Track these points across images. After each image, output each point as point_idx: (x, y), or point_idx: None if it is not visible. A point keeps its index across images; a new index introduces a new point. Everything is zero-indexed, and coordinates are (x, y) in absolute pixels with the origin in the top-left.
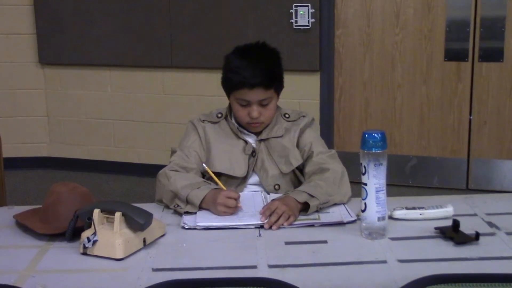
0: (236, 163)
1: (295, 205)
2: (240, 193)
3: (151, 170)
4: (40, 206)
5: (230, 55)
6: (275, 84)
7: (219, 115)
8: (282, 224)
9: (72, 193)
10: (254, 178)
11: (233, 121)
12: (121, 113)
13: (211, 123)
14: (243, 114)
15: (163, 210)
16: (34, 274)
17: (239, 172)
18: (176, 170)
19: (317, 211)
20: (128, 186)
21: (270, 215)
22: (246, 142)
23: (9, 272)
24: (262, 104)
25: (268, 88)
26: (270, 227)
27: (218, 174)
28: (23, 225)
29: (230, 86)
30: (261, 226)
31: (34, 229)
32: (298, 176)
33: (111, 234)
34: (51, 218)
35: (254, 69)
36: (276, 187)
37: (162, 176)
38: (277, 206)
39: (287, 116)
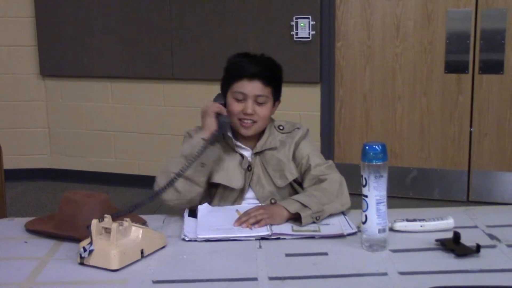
0: (233, 175)
1: (278, 211)
2: (239, 205)
3: (152, 182)
4: (50, 214)
5: (233, 55)
6: (273, 84)
7: None
8: (252, 224)
9: (92, 201)
10: (251, 193)
11: (229, 134)
12: (122, 125)
13: None
14: (237, 108)
15: (163, 222)
16: (34, 286)
17: (237, 184)
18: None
19: (314, 222)
20: (129, 198)
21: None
22: (242, 156)
23: (9, 284)
24: (257, 102)
25: (266, 84)
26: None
27: (216, 186)
28: (34, 232)
29: (229, 79)
30: (262, 238)
31: (53, 231)
32: (296, 189)
33: (107, 245)
34: (69, 226)
35: (255, 62)
36: (273, 201)
37: (160, 175)
38: (255, 209)
39: (281, 128)
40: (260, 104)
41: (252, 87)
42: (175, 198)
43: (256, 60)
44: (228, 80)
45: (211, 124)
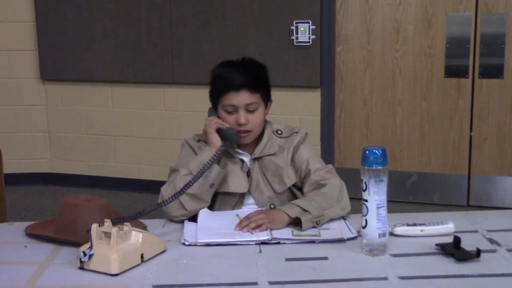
0: (237, 180)
1: (279, 216)
2: (240, 210)
3: (152, 186)
4: (51, 218)
5: (216, 66)
6: (261, 89)
7: None
8: (252, 228)
9: (92, 205)
10: (250, 198)
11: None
12: (121, 129)
13: (206, 143)
14: (230, 121)
15: (163, 226)
16: None
17: (241, 188)
18: None
19: (314, 227)
20: (129, 202)
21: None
22: (242, 161)
23: None
24: (248, 110)
25: (253, 91)
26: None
27: (215, 193)
28: (34, 236)
29: (216, 92)
30: (262, 242)
31: (53, 236)
32: (295, 194)
33: (107, 249)
34: (70, 230)
35: (238, 72)
36: (272, 206)
37: (166, 188)
38: (256, 214)
39: (279, 132)
40: (251, 111)
41: (241, 98)
42: (181, 215)
43: (239, 69)
44: (215, 94)
45: (216, 140)
